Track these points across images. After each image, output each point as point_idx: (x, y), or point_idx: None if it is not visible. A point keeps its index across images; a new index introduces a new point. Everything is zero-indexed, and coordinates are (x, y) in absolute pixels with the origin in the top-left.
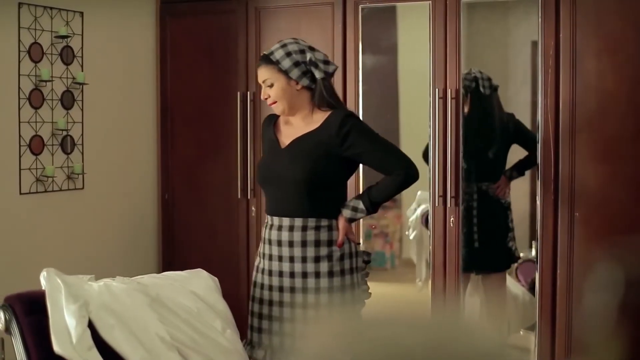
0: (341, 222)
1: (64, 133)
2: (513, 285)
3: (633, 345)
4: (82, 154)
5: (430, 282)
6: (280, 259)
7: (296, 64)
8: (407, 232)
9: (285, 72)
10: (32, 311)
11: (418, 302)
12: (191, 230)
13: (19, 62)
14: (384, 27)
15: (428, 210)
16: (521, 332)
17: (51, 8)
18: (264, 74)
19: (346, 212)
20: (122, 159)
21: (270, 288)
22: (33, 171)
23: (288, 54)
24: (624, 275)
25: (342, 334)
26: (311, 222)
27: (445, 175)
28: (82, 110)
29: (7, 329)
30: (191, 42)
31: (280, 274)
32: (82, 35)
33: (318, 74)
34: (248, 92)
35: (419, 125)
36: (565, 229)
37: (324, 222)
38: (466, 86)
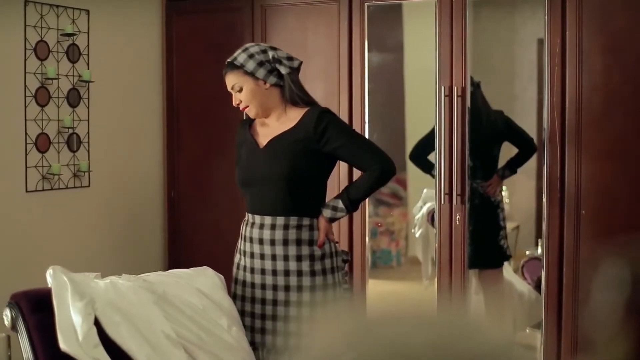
0: (322, 222)
1: (70, 131)
2: (519, 282)
3: (639, 343)
4: (88, 151)
5: (436, 280)
6: (262, 257)
7: (260, 64)
8: (413, 230)
9: (252, 74)
10: (38, 309)
11: (424, 300)
12: (197, 228)
13: (25, 60)
14: (390, 25)
15: (434, 208)
16: (527, 330)
17: (57, 6)
18: (230, 79)
19: (326, 212)
20: (128, 156)
21: (253, 285)
22: (39, 169)
23: (251, 56)
24: (630, 273)
25: (347, 332)
26: (293, 220)
27: (451, 173)
28: (88, 108)
29: (14, 327)
30: (197, 40)
31: (263, 271)
32: (88, 33)
33: (284, 70)
34: None
35: (425, 123)
36: (572, 227)
37: (306, 222)
38: None
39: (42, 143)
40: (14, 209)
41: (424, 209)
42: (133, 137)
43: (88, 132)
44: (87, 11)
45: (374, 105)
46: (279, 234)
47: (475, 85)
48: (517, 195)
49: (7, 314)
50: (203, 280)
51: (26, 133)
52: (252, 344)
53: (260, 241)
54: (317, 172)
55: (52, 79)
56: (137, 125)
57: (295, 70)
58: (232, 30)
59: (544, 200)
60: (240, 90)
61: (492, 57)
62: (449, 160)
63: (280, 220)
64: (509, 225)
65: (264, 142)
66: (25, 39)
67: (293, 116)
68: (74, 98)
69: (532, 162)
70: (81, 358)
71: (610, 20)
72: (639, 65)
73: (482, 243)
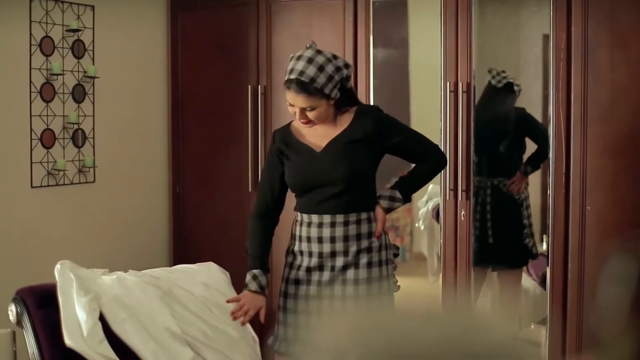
0: (380, 213)
1: (75, 127)
2: (524, 279)
3: None
4: (93, 147)
5: (441, 275)
6: (320, 255)
7: (335, 85)
8: (417, 224)
9: (327, 96)
10: (43, 304)
11: (430, 295)
12: (202, 223)
13: (30, 55)
14: (395, 21)
15: (439, 204)
16: (532, 326)
17: (62, 2)
18: (304, 101)
19: (384, 203)
20: (133, 152)
21: (309, 282)
22: (44, 165)
23: (330, 78)
24: (636, 268)
25: (355, 327)
26: (352, 216)
27: (456, 168)
28: (93, 103)
29: (19, 322)
30: (202, 36)
31: (321, 268)
32: (93, 28)
33: (348, 85)
34: (259, 86)
35: (430, 119)
36: (577, 223)
37: (364, 215)
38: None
39: (48, 139)
40: (20, 204)
41: (430, 205)
42: (138, 132)
43: (93, 128)
44: (92, 7)
45: (379, 100)
46: (339, 231)
47: (511, 90)
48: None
49: (12, 309)
50: (208, 275)
51: (31, 129)
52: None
53: (320, 239)
54: (373, 168)
55: (57, 74)
56: (142, 121)
57: (349, 80)
58: (237, 26)
59: (549, 195)
60: (312, 109)
61: (497, 52)
62: (454, 156)
63: (339, 218)
64: None
65: (320, 145)
66: (31, 34)
67: (344, 118)
68: (79, 94)
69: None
70: (86, 353)
71: (616, 16)
72: None
73: (505, 242)
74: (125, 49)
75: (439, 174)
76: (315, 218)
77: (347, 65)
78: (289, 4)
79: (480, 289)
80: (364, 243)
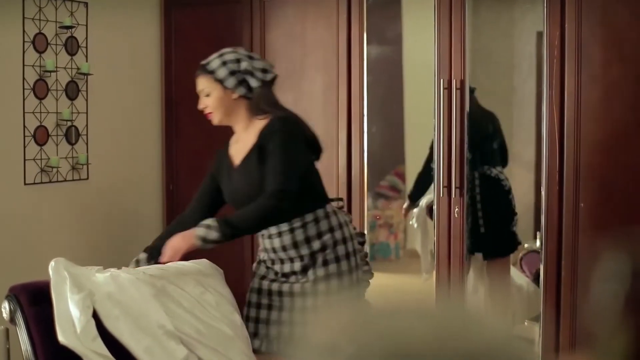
0: (173, 241)
1: (69, 123)
2: (517, 276)
3: (639, 336)
4: (87, 144)
5: (434, 273)
6: (281, 261)
7: (232, 73)
8: (411, 222)
9: (221, 82)
10: (36, 301)
11: (423, 292)
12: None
13: (24, 52)
14: (388, 18)
15: (433, 201)
16: (525, 323)
17: None
18: (200, 83)
19: (199, 230)
20: (126, 149)
21: (270, 285)
22: (37, 162)
23: (224, 63)
24: (629, 266)
25: (348, 324)
26: (296, 222)
27: (449, 165)
28: (86, 100)
29: (12, 319)
30: (196, 32)
31: (285, 273)
32: (86, 25)
33: (254, 83)
34: None
35: (424, 116)
36: (570, 220)
37: (309, 218)
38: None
39: (41, 136)
40: (13, 201)
41: (423, 202)
42: (132, 129)
43: (87, 125)
44: (86, 4)
45: (373, 98)
46: (287, 239)
47: (470, 91)
48: (516, 188)
49: (5, 307)
50: (202, 272)
51: (24, 126)
52: (256, 334)
53: (274, 250)
54: None
55: (50, 71)
56: (136, 118)
57: (268, 83)
58: (231, 23)
59: (543, 193)
60: (208, 96)
61: (491, 50)
62: (448, 153)
63: (284, 227)
64: None
65: (237, 160)
66: (24, 31)
67: (257, 127)
68: (72, 91)
69: (530, 155)
70: (79, 351)
71: (610, 13)
72: (638, 57)
73: (496, 231)
74: (118, 46)
75: (435, 172)
76: (264, 231)
77: (264, 70)
78: (282, 1)
79: (472, 279)
80: (316, 245)
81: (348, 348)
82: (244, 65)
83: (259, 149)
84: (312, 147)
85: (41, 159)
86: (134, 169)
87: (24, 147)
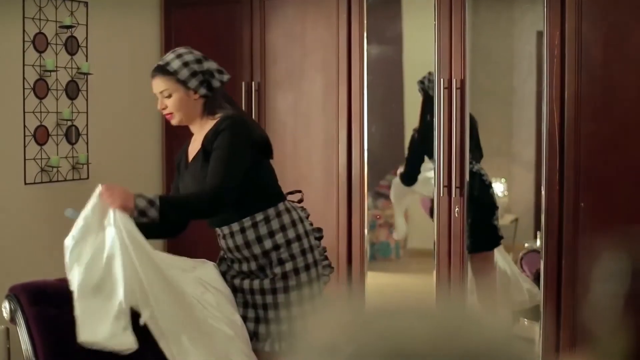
0: (119, 191)
1: (69, 123)
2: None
3: (639, 336)
4: (87, 144)
5: (435, 272)
6: (238, 261)
7: (193, 74)
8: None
9: (184, 83)
10: (37, 301)
11: (423, 292)
12: (196, 221)
13: (24, 52)
14: (389, 18)
15: (432, 200)
16: (525, 323)
17: None
18: (160, 84)
19: (139, 199)
20: (127, 149)
21: (240, 283)
22: (38, 161)
23: (185, 64)
24: (630, 265)
25: (346, 324)
26: (247, 222)
27: (450, 165)
28: (86, 100)
29: (12, 319)
30: (196, 32)
31: (244, 272)
32: (86, 25)
33: (215, 83)
34: (253, 83)
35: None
36: (571, 220)
37: (259, 217)
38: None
39: (41, 135)
40: (13, 201)
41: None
42: (132, 129)
43: (87, 125)
44: (86, 3)
45: (373, 97)
46: (239, 239)
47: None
48: (516, 188)
49: (6, 307)
50: (203, 271)
51: (25, 125)
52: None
53: (229, 249)
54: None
55: (50, 71)
56: (136, 117)
57: (223, 84)
58: (231, 23)
59: (543, 192)
60: (169, 96)
61: (491, 49)
62: (448, 153)
63: (235, 227)
64: (508, 218)
65: (190, 159)
66: (24, 31)
67: (208, 127)
68: (72, 90)
69: (530, 154)
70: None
71: (610, 12)
72: (638, 57)
73: (477, 226)
74: (118, 45)
75: (435, 171)
76: (218, 231)
77: (220, 70)
78: (282, 1)
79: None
80: (268, 244)
81: (347, 348)
82: (206, 65)
83: (203, 151)
84: (262, 147)
85: (41, 159)
86: (134, 169)
87: (24, 146)
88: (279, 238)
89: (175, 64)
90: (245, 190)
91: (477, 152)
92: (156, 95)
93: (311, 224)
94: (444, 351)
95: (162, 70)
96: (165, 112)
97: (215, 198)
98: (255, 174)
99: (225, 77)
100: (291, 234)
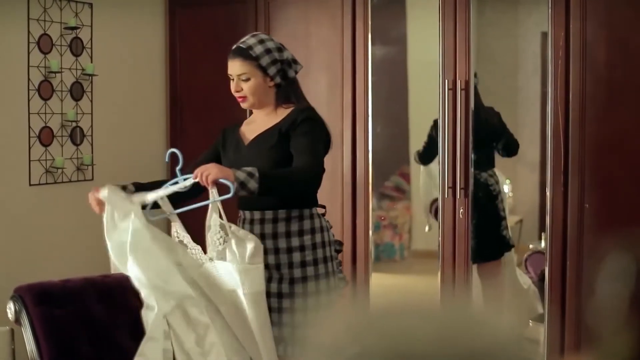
0: (211, 165)
1: (74, 124)
2: (522, 276)
3: None
4: (92, 145)
5: (439, 273)
6: None
7: (274, 62)
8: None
9: (264, 69)
10: (41, 302)
11: (427, 293)
12: (200, 221)
13: (29, 53)
14: (393, 18)
15: (437, 201)
16: (530, 324)
17: None
18: (240, 67)
19: (240, 174)
20: (131, 150)
21: None
22: (43, 162)
23: (268, 51)
24: (634, 266)
25: (351, 325)
26: (281, 213)
27: (454, 166)
28: (91, 101)
29: (17, 320)
30: (200, 33)
31: None
32: (91, 26)
33: (291, 73)
34: None
35: (428, 116)
36: (575, 221)
37: (295, 213)
38: None
39: (46, 136)
40: (18, 202)
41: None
42: (136, 130)
43: (91, 126)
44: (91, 4)
45: (377, 98)
46: (268, 228)
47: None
48: (521, 189)
49: (10, 307)
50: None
51: (29, 126)
52: None
53: None
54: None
55: (55, 72)
56: (141, 118)
57: (296, 74)
58: (236, 23)
59: (548, 193)
60: (246, 80)
61: (495, 50)
62: (452, 154)
63: (269, 215)
64: (513, 219)
65: (249, 138)
66: (29, 32)
67: (280, 113)
68: (77, 91)
69: (535, 155)
70: None
71: (614, 13)
72: None
73: (483, 235)
74: (123, 46)
75: (439, 172)
76: (247, 214)
77: (295, 61)
78: (286, 1)
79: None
80: (295, 241)
81: (352, 348)
82: (285, 54)
83: (279, 133)
84: (327, 143)
85: (46, 160)
86: (138, 170)
87: (29, 147)
88: (307, 239)
89: (258, 49)
90: None
91: (485, 159)
92: (231, 76)
93: (333, 235)
94: (448, 352)
95: (243, 53)
96: (238, 94)
97: (314, 174)
98: None
99: (299, 67)
100: (318, 238)
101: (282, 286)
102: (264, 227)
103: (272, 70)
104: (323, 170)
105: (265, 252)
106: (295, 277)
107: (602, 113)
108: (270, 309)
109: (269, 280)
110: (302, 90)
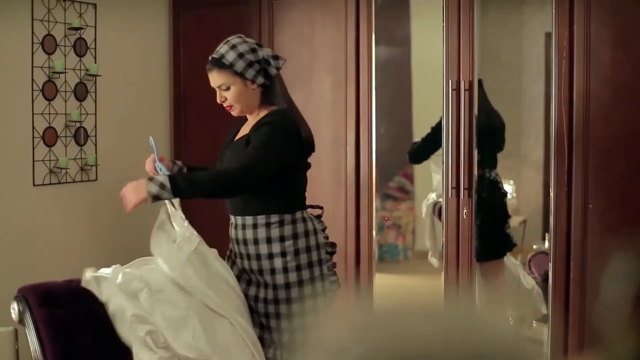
0: (131, 188)
1: (78, 125)
2: (525, 276)
3: None
4: (96, 145)
5: (443, 274)
6: (241, 256)
7: (250, 64)
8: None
9: (241, 75)
10: (45, 302)
11: (432, 293)
12: (204, 221)
13: (32, 53)
14: (397, 19)
15: (439, 202)
16: (534, 324)
17: (64, 0)
18: (217, 78)
19: (152, 188)
20: (135, 150)
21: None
22: (46, 163)
23: (240, 55)
24: (638, 266)
25: (355, 326)
26: (261, 219)
27: (458, 166)
28: (95, 102)
29: (21, 320)
30: (204, 34)
31: (246, 271)
32: (95, 26)
33: (272, 71)
34: None
35: (432, 117)
36: (579, 221)
37: (274, 219)
38: None
39: (50, 137)
40: (22, 202)
41: (432, 197)
42: (140, 130)
43: (95, 126)
44: (94, 5)
45: (381, 98)
46: (249, 234)
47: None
48: (525, 189)
49: (14, 308)
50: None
51: (33, 127)
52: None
53: (237, 241)
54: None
55: (59, 72)
56: (145, 118)
57: (279, 70)
58: (239, 24)
59: (551, 194)
60: (227, 89)
61: (499, 50)
62: (456, 154)
63: (248, 220)
64: (517, 220)
65: (236, 139)
66: (33, 33)
67: (263, 111)
68: (81, 92)
69: (539, 156)
70: None
71: (619, 13)
72: None
73: (487, 234)
74: (127, 46)
75: (443, 172)
76: (232, 219)
77: (275, 57)
78: (290, 2)
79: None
80: (276, 247)
81: (356, 349)
82: (261, 54)
83: (247, 139)
84: (304, 145)
85: (50, 160)
86: (142, 170)
87: (33, 148)
88: (289, 245)
89: (230, 56)
90: (270, 187)
91: (494, 158)
92: (214, 88)
93: (326, 237)
94: (452, 352)
95: (217, 63)
96: (225, 104)
97: (240, 176)
98: (284, 176)
99: (281, 62)
100: (302, 243)
101: (267, 292)
102: (245, 232)
103: (250, 74)
104: (263, 173)
105: (248, 257)
106: (277, 283)
107: (606, 113)
108: (257, 314)
109: (248, 283)
110: (286, 88)
